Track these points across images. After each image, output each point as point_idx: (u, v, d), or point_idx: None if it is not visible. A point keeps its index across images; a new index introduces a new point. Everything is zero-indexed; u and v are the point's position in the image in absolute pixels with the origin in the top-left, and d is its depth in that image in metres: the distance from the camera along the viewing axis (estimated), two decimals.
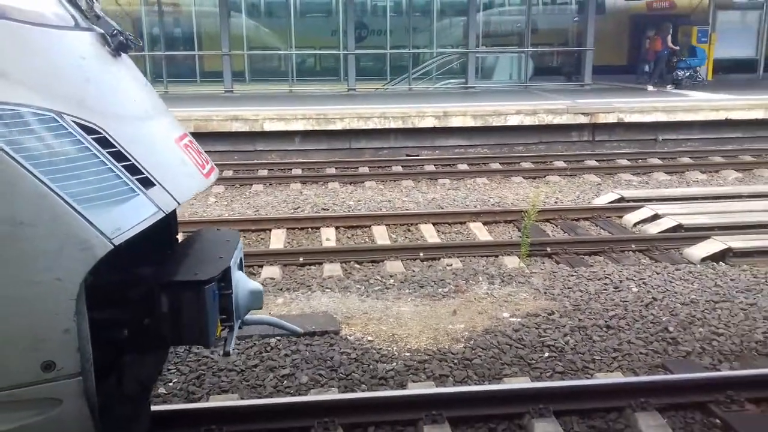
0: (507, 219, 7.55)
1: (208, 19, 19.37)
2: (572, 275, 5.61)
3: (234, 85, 17.22)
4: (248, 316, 2.69)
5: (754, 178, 9.83)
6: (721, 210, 7.32)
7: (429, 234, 6.99)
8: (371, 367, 4.07)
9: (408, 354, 4.23)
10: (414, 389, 3.69)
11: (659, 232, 6.77)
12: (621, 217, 7.52)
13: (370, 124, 12.04)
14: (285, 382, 3.91)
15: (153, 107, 2.43)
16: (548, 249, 6.38)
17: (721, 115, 12.74)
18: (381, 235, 6.93)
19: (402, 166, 10.76)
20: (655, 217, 7.16)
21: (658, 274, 5.58)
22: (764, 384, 3.65)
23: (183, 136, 2.50)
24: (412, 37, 18.60)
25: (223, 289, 2.42)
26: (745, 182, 9.53)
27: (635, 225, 7.20)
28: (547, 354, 4.23)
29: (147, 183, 2.12)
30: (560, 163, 10.76)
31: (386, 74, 19.62)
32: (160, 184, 2.16)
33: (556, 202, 8.47)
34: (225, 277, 2.42)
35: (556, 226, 7.40)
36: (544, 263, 6.15)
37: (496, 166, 10.73)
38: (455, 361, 4.14)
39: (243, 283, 2.55)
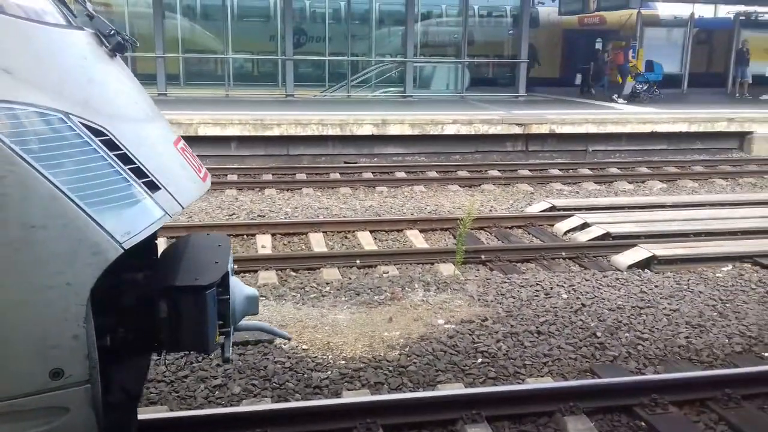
0: (443, 227, 7.63)
1: (141, 20, 18.86)
2: (505, 282, 5.71)
3: (168, 89, 16.82)
4: (240, 322, 2.64)
5: (678, 188, 10.26)
6: (647, 219, 7.61)
7: (366, 241, 6.99)
8: (306, 376, 4.03)
9: (343, 362, 4.21)
10: (348, 398, 3.67)
11: (588, 240, 6.98)
12: (552, 225, 7.71)
13: (308, 131, 11.98)
14: (216, 392, 3.83)
15: (151, 110, 2.39)
16: (482, 256, 6.48)
17: (647, 128, 13.27)
18: (318, 243, 6.89)
19: (340, 174, 10.74)
20: (585, 225, 7.38)
21: (587, 280, 5.75)
22: (686, 387, 3.80)
23: (178, 139, 2.47)
24: (351, 45, 18.63)
25: (221, 294, 2.38)
26: (669, 192, 9.94)
27: (566, 233, 7.40)
28: (480, 360, 4.29)
29: (153, 186, 2.09)
30: (495, 173, 10.96)
31: (325, 81, 19.57)
32: (165, 188, 2.13)
33: (490, 211, 8.62)
34: (223, 282, 2.39)
35: (491, 233, 7.53)
36: (478, 270, 6.24)
37: (433, 174, 10.85)
38: (390, 368, 4.14)
39: (239, 288, 2.53)
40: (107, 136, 2.03)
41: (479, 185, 10.18)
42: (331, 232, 7.29)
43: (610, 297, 5.37)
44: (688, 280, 5.77)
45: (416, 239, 7.15)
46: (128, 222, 1.97)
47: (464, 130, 12.65)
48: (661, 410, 3.60)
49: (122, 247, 1.93)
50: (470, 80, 20.07)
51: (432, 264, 6.31)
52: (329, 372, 4.07)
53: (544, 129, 12.92)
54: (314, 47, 20.48)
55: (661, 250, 6.30)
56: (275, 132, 11.83)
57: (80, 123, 1.98)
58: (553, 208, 8.41)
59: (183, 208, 2.20)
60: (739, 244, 6.64)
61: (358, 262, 6.26)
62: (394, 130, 12.35)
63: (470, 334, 4.64)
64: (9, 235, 1.81)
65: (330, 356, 4.28)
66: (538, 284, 5.66)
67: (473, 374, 4.10)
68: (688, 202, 8.75)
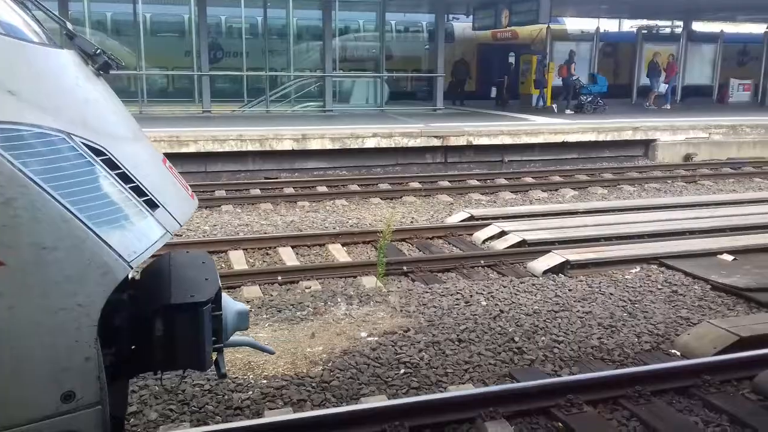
0: (365, 239, 7.65)
1: None
2: (427, 292, 5.78)
3: None
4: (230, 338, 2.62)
5: (589, 195, 10.69)
6: (560, 225, 7.89)
7: (288, 257, 6.93)
8: (226, 397, 3.94)
9: (265, 381, 4.14)
10: (269, 417, 3.61)
11: (506, 248, 7.17)
12: (471, 234, 7.88)
13: (227, 147, 11.79)
14: (132, 420, 3.68)
15: (137, 129, 2.39)
16: (404, 267, 6.54)
17: (559, 138, 13.78)
18: (238, 260, 6.77)
19: (260, 189, 10.62)
20: (502, 233, 7.57)
21: (504, 287, 5.89)
22: (600, 386, 3.95)
23: (164, 158, 2.46)
24: (269, 60, 18.50)
25: (214, 311, 2.37)
26: (581, 199, 10.34)
27: (484, 242, 7.57)
28: (403, 371, 4.31)
29: (152, 205, 2.11)
30: (416, 184, 11.11)
31: (243, 96, 19.34)
32: (163, 206, 2.15)
33: (411, 222, 8.72)
34: (216, 299, 2.38)
35: (412, 245, 7.61)
36: (400, 281, 6.29)
37: (354, 187, 10.89)
38: (313, 384, 4.11)
39: (230, 304, 2.52)
40: (107, 155, 2.03)
41: (400, 197, 10.29)
42: (252, 248, 7.18)
43: (527, 302, 5.53)
44: (600, 283, 6.02)
45: (339, 253, 7.15)
46: (134, 241, 1.98)
47: (384, 143, 12.78)
48: (576, 410, 3.72)
49: (130, 266, 1.94)
50: (389, 94, 20.30)
51: (354, 277, 6.31)
52: (250, 392, 4.00)
53: (462, 141, 13.21)
54: (232, 62, 20.23)
55: (574, 255, 6.54)
56: (191, 149, 11.58)
57: (82, 143, 1.98)
58: (471, 218, 8.59)
59: (180, 225, 2.21)
60: (646, 247, 6.97)
61: (279, 278, 6.19)
62: (314, 145, 12.33)
63: (393, 346, 4.66)
64: (21, 258, 1.80)
65: (251, 376, 4.20)
66: (458, 293, 5.75)
67: (396, 385, 4.12)
68: (598, 208, 9.13)
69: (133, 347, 2.27)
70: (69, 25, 2.36)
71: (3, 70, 1.91)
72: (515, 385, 3.94)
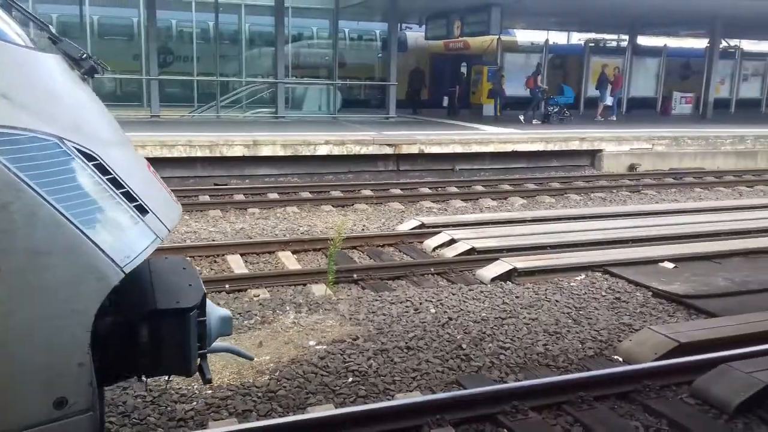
0: (316, 247, 7.61)
1: None
2: (376, 300, 5.78)
3: None
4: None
5: (537, 204, 10.89)
6: (509, 233, 8.00)
7: (236, 265, 6.83)
8: (169, 408, 3.85)
9: (209, 392, 4.06)
10: (213, 428, 3.55)
11: (455, 256, 7.23)
12: (422, 242, 7.92)
13: (175, 152, 11.58)
14: None
15: (123, 133, 2.38)
16: (355, 275, 6.52)
17: (508, 147, 14.01)
18: None
19: (209, 196, 10.46)
20: (452, 241, 7.63)
21: (453, 294, 5.93)
22: (544, 392, 4.00)
23: (148, 164, 2.46)
24: (220, 65, 18.30)
25: (199, 316, 2.35)
26: (529, 207, 10.52)
27: (434, 249, 7.62)
28: (351, 379, 4.29)
29: (142, 210, 2.10)
30: (368, 192, 11.12)
31: (193, 101, 19.06)
32: (152, 212, 2.14)
33: (363, 230, 8.72)
34: (201, 304, 2.36)
35: (363, 252, 7.60)
36: (350, 289, 6.27)
37: (306, 194, 10.83)
38: (259, 394, 4.05)
39: (213, 309, 2.50)
40: (97, 160, 2.02)
41: (352, 205, 10.28)
42: (199, 256, 7.06)
43: (475, 309, 5.58)
44: (546, 290, 6.12)
45: (288, 261, 7.09)
46: (126, 246, 1.98)
47: (337, 151, 12.76)
48: (521, 416, 3.77)
49: (123, 272, 1.93)
50: (342, 102, 20.31)
51: (304, 285, 6.27)
52: (195, 403, 3.92)
53: (414, 149, 13.30)
54: (182, 67, 19.94)
55: (521, 262, 6.64)
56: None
57: (74, 148, 1.97)
58: (422, 226, 8.63)
59: (169, 231, 2.20)
60: (591, 255, 7.12)
61: (227, 286, 6.10)
62: (266, 151, 12.23)
63: (341, 354, 4.64)
64: (16, 263, 1.79)
65: (195, 386, 4.12)
66: (407, 300, 5.77)
67: (344, 394, 4.10)
68: (546, 217, 9.30)
69: (116, 353, 2.24)
70: (53, 29, 2.35)
71: (2, 75, 1.91)
72: (462, 392, 3.96)
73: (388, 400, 3.99)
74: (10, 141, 1.82)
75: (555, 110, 19.09)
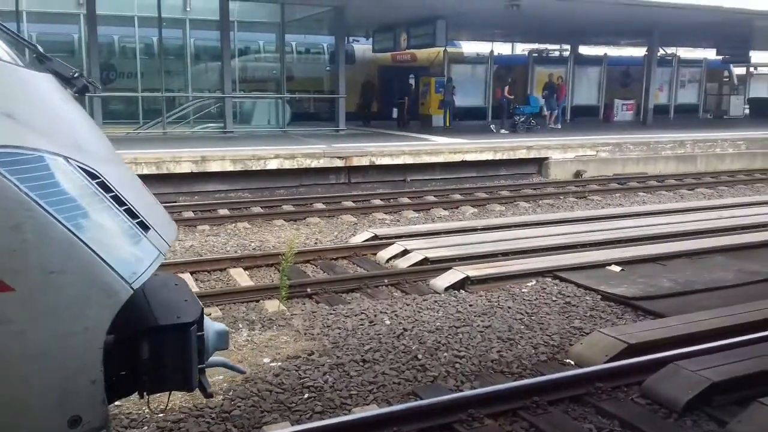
0: (268, 262, 7.53)
1: None
2: (331, 313, 5.75)
3: None
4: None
5: (487, 212, 11.03)
6: (461, 242, 8.08)
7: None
8: None
9: (161, 415, 3.96)
10: None
11: (408, 266, 7.25)
12: (375, 254, 7.92)
13: None
14: None
15: (115, 152, 2.40)
16: (308, 289, 6.48)
17: (458, 157, 14.17)
18: None
19: None
20: (405, 252, 7.66)
21: (408, 305, 5.95)
22: (499, 399, 4.04)
23: (141, 182, 2.48)
24: (165, 80, 18.00)
25: (198, 331, 2.35)
26: (480, 216, 10.65)
27: (388, 261, 7.63)
28: (307, 395, 4.25)
29: (144, 227, 2.12)
30: (320, 205, 11.07)
31: (139, 118, 18.68)
32: (153, 228, 2.16)
33: (315, 243, 8.67)
34: (200, 319, 2.36)
35: (316, 266, 7.56)
36: (304, 304, 6.22)
37: (257, 210, 10.72)
38: (213, 415, 3.97)
39: (210, 324, 2.49)
40: (100, 178, 2.04)
41: (304, 219, 10.22)
42: None
43: (430, 319, 5.60)
44: (498, 297, 6.19)
45: (240, 277, 6.99)
46: (133, 263, 1.99)
47: (287, 165, 12.69)
48: (478, 424, 3.79)
49: (132, 288, 1.94)
50: (292, 115, 20.23)
51: (257, 302, 6.19)
52: (145, 427, 3.82)
53: (364, 161, 13.32)
54: (126, 83, 19.54)
55: (474, 270, 6.70)
56: None
57: (78, 166, 1.98)
58: (375, 237, 8.64)
59: (169, 246, 2.22)
60: (541, 261, 7.25)
61: None
62: (215, 167, 12.07)
63: (297, 370, 4.59)
64: (30, 282, 1.79)
65: (146, 410, 4.01)
66: (362, 313, 5.75)
67: (300, 411, 4.05)
68: (496, 225, 9.43)
69: (118, 371, 2.22)
70: (40, 49, 2.35)
71: (4, 95, 1.92)
72: (418, 402, 3.96)
73: (345, 414, 3.96)
74: (20, 161, 1.82)
75: (522, 119, 19.48)
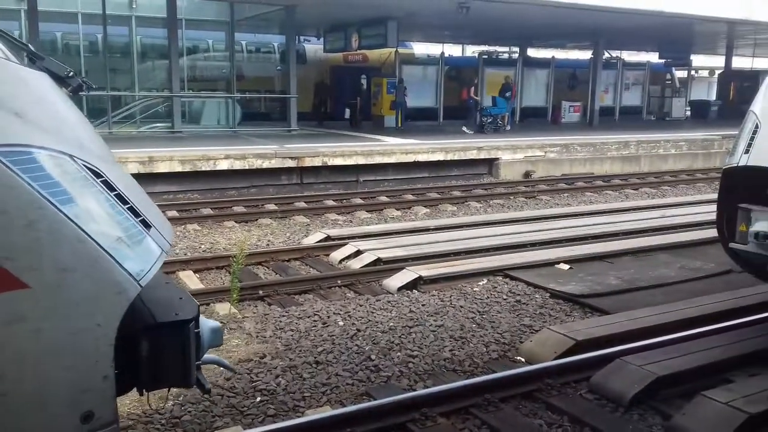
0: (219, 265, 7.42)
1: None
2: (284, 315, 5.70)
3: None
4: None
5: (440, 212, 11.12)
6: (413, 242, 8.12)
7: None
8: None
9: None
10: None
11: (361, 267, 7.25)
12: (328, 255, 7.89)
13: None
14: None
15: (110, 150, 2.41)
16: (260, 291, 6.41)
17: (410, 158, 14.24)
18: None
19: None
20: (358, 252, 7.66)
21: (361, 306, 5.95)
22: (452, 398, 4.07)
23: (135, 181, 2.48)
24: (111, 79, 17.55)
25: (195, 328, 2.36)
26: (432, 216, 10.72)
27: (341, 261, 7.61)
28: (259, 399, 4.21)
29: (146, 225, 2.15)
30: (271, 206, 10.97)
31: None
32: (154, 226, 2.19)
33: (267, 245, 8.59)
34: (197, 316, 2.38)
35: (269, 267, 7.49)
36: (256, 306, 6.15)
37: (207, 211, 10.55)
38: (163, 421, 3.89)
39: (204, 321, 2.49)
40: (103, 177, 2.06)
41: (256, 220, 10.11)
42: None
43: (383, 319, 5.61)
44: (451, 297, 6.24)
45: (190, 280, 6.87)
46: (140, 260, 2.03)
47: (238, 165, 12.53)
48: (431, 423, 3.82)
49: (140, 285, 1.98)
50: (242, 115, 19.99)
51: (207, 305, 6.08)
52: None
53: (317, 161, 13.26)
54: None
55: (426, 270, 6.75)
56: None
57: (83, 165, 2.00)
58: (328, 238, 8.61)
59: (170, 245, 2.25)
60: (492, 260, 7.35)
61: None
62: (162, 168, 11.84)
63: (248, 373, 4.54)
64: (44, 280, 1.81)
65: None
66: (315, 314, 5.72)
67: (252, 414, 4.01)
68: (448, 225, 9.51)
69: (119, 369, 2.18)
70: (32, 47, 2.36)
71: (6, 92, 1.93)
72: (371, 403, 3.97)
73: (298, 417, 3.94)
74: (29, 159, 1.84)
75: (489, 120, 19.73)
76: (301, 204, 11.32)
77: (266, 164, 12.78)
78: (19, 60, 2.19)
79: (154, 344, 2.22)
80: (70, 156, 1.98)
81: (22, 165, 1.81)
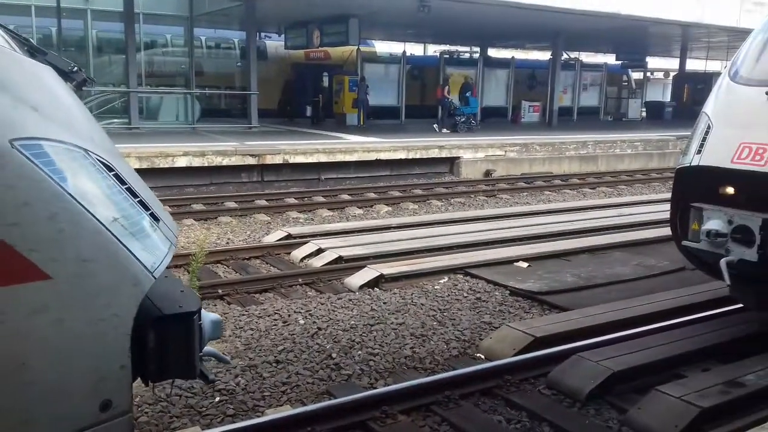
0: (177, 263, 7.28)
1: None
2: (243, 314, 5.64)
3: None
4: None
5: (401, 211, 11.14)
6: (375, 241, 8.11)
7: None
8: None
9: None
10: None
11: (323, 265, 7.22)
12: (289, 253, 7.84)
13: None
14: None
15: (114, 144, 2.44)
16: (220, 290, 6.33)
17: (372, 156, 14.24)
18: None
19: None
20: (320, 251, 7.62)
21: (322, 304, 5.92)
22: (412, 395, 4.09)
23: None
24: None
25: (197, 320, 2.39)
26: (394, 214, 10.74)
27: (302, 260, 7.57)
28: (218, 399, 4.15)
29: (155, 218, 2.20)
30: (231, 204, 10.85)
31: None
32: (162, 220, 2.25)
33: (227, 243, 8.48)
34: (200, 309, 2.42)
35: (228, 266, 7.40)
36: (215, 305, 6.07)
37: (165, 209, 10.35)
38: None
39: (205, 314, 2.51)
40: (114, 170, 2.10)
41: (215, 218, 9.98)
42: None
43: (344, 318, 5.60)
44: (412, 294, 6.26)
45: None
46: (152, 252, 2.08)
47: (197, 162, 12.35)
48: (391, 420, 3.82)
49: (154, 277, 2.03)
50: (202, 111, 19.71)
51: None
52: None
53: (278, 159, 13.16)
54: None
55: (388, 268, 6.76)
56: None
57: (97, 159, 2.04)
58: (289, 236, 8.55)
59: (176, 237, 2.29)
60: (453, 258, 7.39)
61: None
62: None
63: None
64: (66, 271, 1.85)
65: None
66: (276, 313, 5.68)
67: (211, 415, 3.96)
68: (410, 223, 9.54)
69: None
70: (33, 42, 2.36)
71: (24, 86, 1.97)
72: (332, 402, 3.95)
73: (258, 417, 3.90)
74: (48, 152, 1.87)
75: (462, 120, 19.85)
76: (262, 202, 11.22)
77: (226, 161, 12.63)
78: (23, 54, 2.19)
79: (161, 336, 2.24)
80: (85, 150, 2.01)
81: (43, 158, 1.85)
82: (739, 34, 17.84)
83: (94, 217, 1.91)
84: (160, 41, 21.76)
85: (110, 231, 1.94)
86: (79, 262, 1.88)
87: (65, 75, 2.34)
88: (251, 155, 12.90)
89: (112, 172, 2.08)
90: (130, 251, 1.98)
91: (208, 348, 2.70)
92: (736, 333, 5.01)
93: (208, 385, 2.82)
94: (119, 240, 1.95)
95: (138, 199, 2.15)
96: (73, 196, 1.87)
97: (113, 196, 2.03)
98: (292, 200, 11.49)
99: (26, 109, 1.90)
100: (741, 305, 5.34)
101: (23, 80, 1.99)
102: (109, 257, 1.93)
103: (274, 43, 24.54)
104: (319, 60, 24.80)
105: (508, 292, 6.39)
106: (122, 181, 2.11)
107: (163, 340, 2.25)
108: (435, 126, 19.81)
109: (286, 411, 3.88)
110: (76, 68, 2.38)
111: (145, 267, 2.01)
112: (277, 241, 8.45)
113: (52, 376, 1.87)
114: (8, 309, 1.78)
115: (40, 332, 1.84)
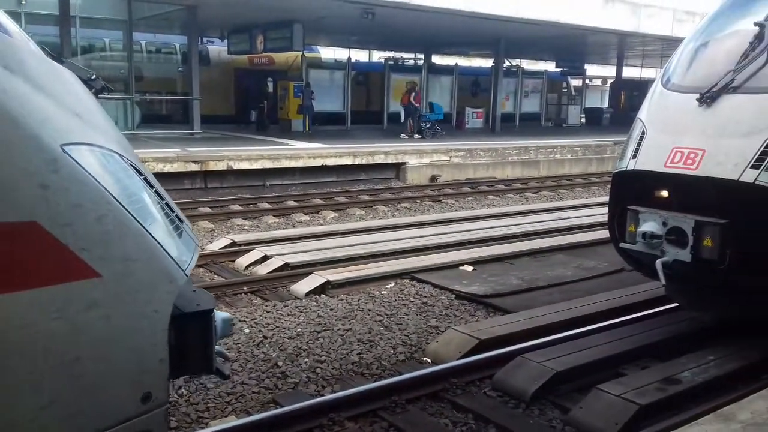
0: None
1: None
2: None
3: None
4: None
5: (348, 216, 11.12)
6: (321, 247, 8.07)
7: None
8: None
9: None
10: None
11: (268, 273, 7.13)
12: (234, 261, 7.72)
13: None
14: None
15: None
16: None
17: (318, 162, 14.19)
18: None
19: None
20: (265, 258, 7.53)
21: (268, 312, 5.85)
22: (358, 401, 4.08)
23: None
24: None
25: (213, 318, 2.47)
26: (340, 221, 10.71)
27: (247, 267, 7.46)
28: None
29: (180, 220, 2.30)
30: None
31: None
32: (184, 221, 2.35)
33: None
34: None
35: None
36: None
37: None
38: None
39: (217, 313, 2.55)
40: (143, 174, 2.20)
41: None
42: None
43: (291, 325, 5.55)
44: (359, 300, 6.25)
45: None
46: (183, 251, 2.19)
47: None
48: (338, 427, 3.81)
49: (186, 275, 2.14)
50: (142, 117, 19.25)
51: None
52: None
53: (221, 165, 12.97)
54: None
55: (334, 275, 6.73)
56: None
57: (129, 163, 2.13)
58: (234, 244, 8.43)
59: (197, 239, 2.40)
60: (399, 263, 7.42)
61: None
62: None
63: None
64: (113, 269, 1.95)
65: None
66: None
67: None
68: (356, 229, 9.52)
69: None
70: (48, 50, 2.39)
71: (65, 93, 2.07)
72: (277, 411, 3.90)
73: (201, 428, 3.82)
74: (95, 157, 1.97)
75: (428, 126, 19.95)
76: (206, 209, 11.03)
77: (168, 168, 12.37)
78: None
79: (180, 333, 2.30)
80: (119, 154, 2.11)
81: (89, 162, 1.94)
82: (672, 43, 18.55)
83: (135, 218, 2.01)
84: (97, 45, 21.18)
85: (149, 231, 2.04)
86: (123, 261, 1.98)
87: (85, 82, 2.42)
88: (194, 162, 12.68)
89: (142, 176, 2.19)
90: (165, 250, 2.08)
91: (216, 347, 2.77)
92: (673, 331, 5.18)
93: (226, 379, 2.88)
94: (156, 240, 2.06)
95: (164, 201, 2.27)
96: (116, 198, 1.97)
97: (146, 198, 2.14)
98: (236, 207, 11.33)
99: (70, 115, 2.01)
100: (676, 304, 5.53)
101: (63, 87, 2.09)
102: (149, 256, 2.04)
103: (218, 48, 24.20)
104: (263, 65, 24.59)
105: (453, 295, 6.45)
106: (150, 185, 2.22)
107: (183, 336, 2.32)
108: (402, 135, 19.87)
109: (231, 422, 3.81)
110: (94, 76, 2.47)
111: (179, 266, 2.12)
112: (221, 248, 8.31)
113: (100, 370, 1.97)
114: (65, 305, 1.87)
115: (91, 328, 1.94)
